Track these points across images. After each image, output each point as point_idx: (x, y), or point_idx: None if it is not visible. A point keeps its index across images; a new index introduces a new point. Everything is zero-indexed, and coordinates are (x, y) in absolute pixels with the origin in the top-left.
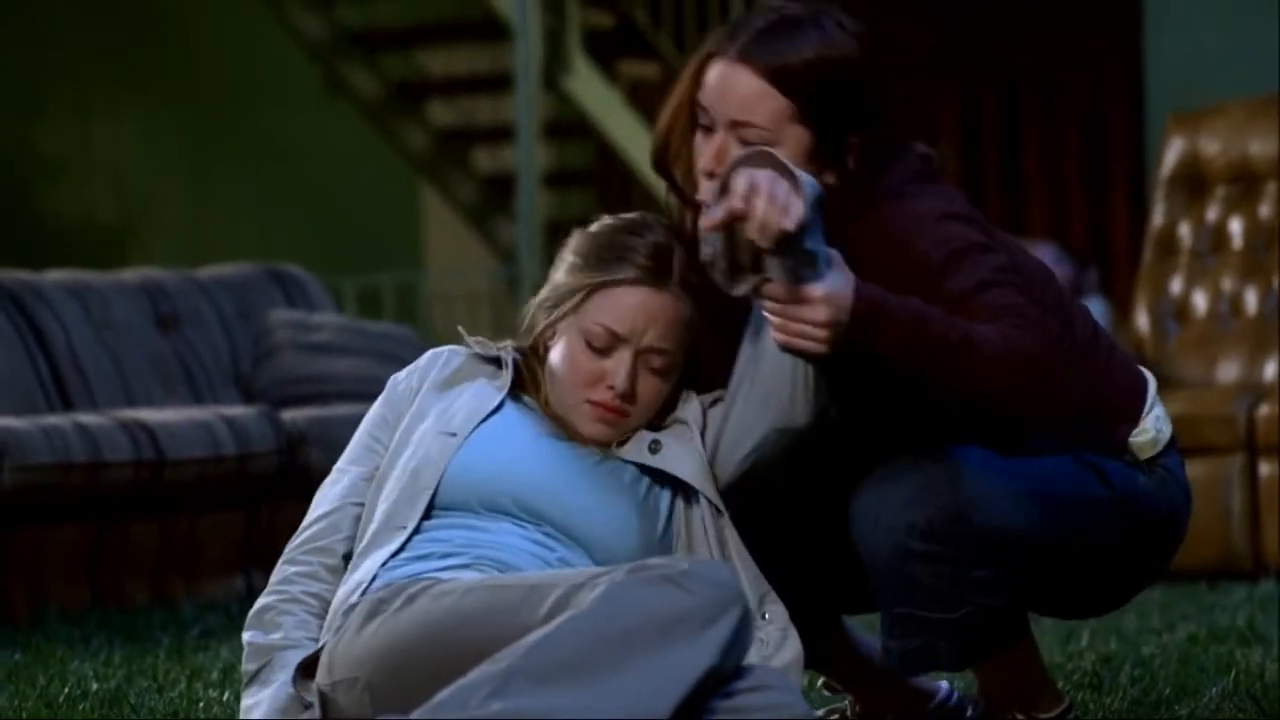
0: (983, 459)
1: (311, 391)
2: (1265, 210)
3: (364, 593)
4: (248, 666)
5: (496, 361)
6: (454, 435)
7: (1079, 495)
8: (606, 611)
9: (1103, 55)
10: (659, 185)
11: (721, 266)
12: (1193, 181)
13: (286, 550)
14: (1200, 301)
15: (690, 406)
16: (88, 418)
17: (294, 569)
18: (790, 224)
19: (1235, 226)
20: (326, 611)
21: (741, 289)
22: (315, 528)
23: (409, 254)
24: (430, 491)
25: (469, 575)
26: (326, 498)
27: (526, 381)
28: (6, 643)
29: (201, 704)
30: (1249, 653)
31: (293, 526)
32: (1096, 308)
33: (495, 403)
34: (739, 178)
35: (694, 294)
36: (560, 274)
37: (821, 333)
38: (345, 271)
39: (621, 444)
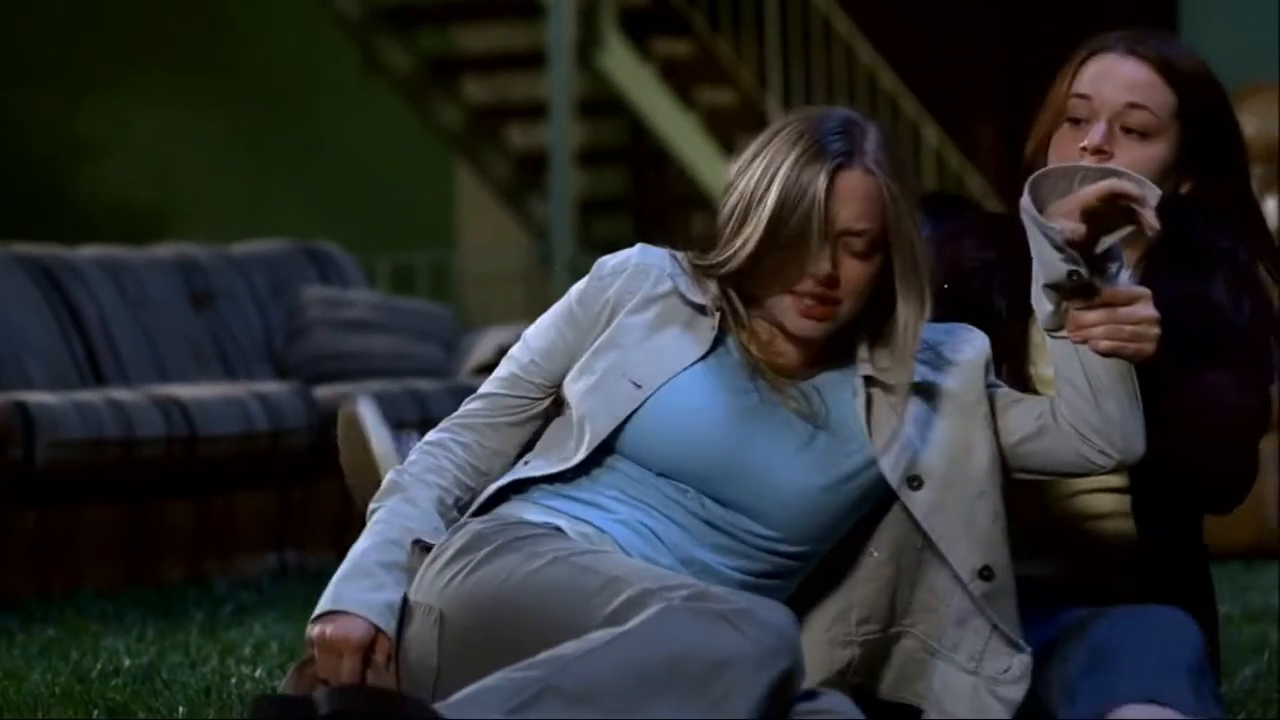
0: None
1: (344, 368)
2: None
3: (490, 498)
4: (374, 505)
5: (702, 308)
6: (639, 388)
7: None
8: (654, 640)
9: None
10: (692, 163)
11: (1066, 246)
12: None
13: (449, 419)
14: None
15: (971, 387)
16: (121, 393)
17: (449, 436)
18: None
19: (1270, 207)
20: (465, 487)
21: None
22: (479, 404)
23: (442, 231)
24: (600, 439)
25: (584, 531)
26: (499, 378)
27: (730, 321)
28: (41, 618)
29: (234, 679)
30: None
31: (327, 504)
32: None
33: (690, 360)
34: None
35: (894, 174)
36: (743, 178)
37: (1154, 330)
38: (379, 249)
39: (875, 427)
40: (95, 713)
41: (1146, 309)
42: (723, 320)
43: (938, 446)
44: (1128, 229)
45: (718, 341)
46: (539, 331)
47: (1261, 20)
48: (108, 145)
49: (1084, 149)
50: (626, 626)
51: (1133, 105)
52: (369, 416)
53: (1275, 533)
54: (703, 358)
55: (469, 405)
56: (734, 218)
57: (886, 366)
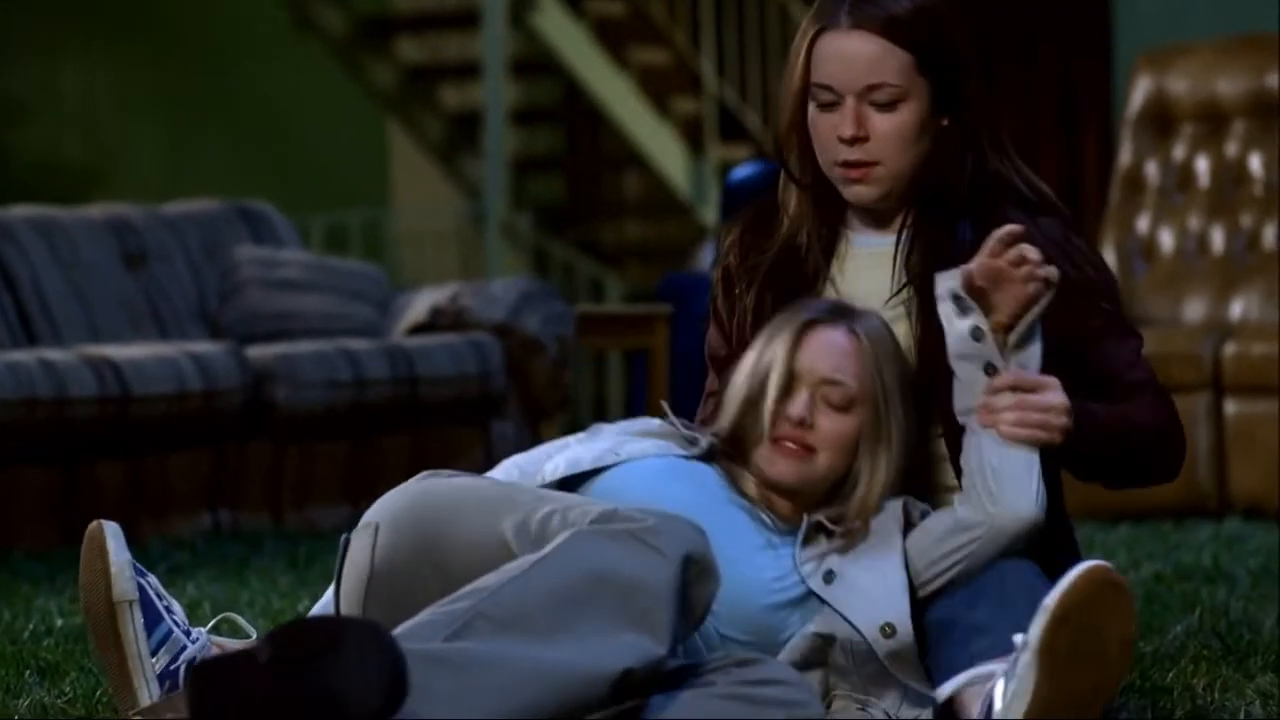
0: None
1: (278, 328)
2: (1232, 149)
3: None
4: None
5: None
6: (618, 454)
7: None
8: (571, 561)
9: (1074, 2)
10: (626, 123)
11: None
12: (1160, 120)
13: None
14: (1167, 240)
15: (890, 517)
16: (53, 354)
17: None
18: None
19: (1202, 165)
20: None
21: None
22: None
23: (376, 191)
24: (573, 471)
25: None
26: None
27: (722, 461)
28: None
29: None
30: (1214, 590)
31: (260, 464)
32: None
33: (674, 453)
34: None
35: (882, 348)
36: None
37: (1063, 420)
38: (312, 208)
39: (803, 537)
40: (27, 673)
41: (1056, 396)
42: (709, 454)
43: (853, 556)
44: (1043, 301)
45: (700, 460)
46: (535, 455)
47: None
48: (36, 105)
49: (841, 139)
50: (542, 552)
51: (873, 86)
52: (111, 537)
53: (1205, 492)
54: (684, 458)
55: None
56: (740, 373)
57: (836, 518)
